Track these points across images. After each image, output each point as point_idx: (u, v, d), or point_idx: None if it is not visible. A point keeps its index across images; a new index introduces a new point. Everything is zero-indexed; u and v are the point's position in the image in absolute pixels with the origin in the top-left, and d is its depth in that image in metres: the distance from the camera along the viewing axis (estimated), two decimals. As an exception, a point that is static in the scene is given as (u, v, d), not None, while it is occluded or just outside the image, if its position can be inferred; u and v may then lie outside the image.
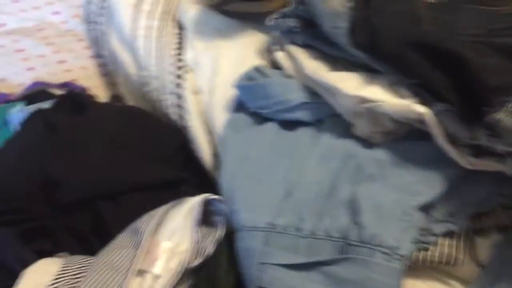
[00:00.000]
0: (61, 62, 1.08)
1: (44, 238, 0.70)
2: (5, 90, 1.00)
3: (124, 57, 0.97)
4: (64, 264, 0.62)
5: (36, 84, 1.00)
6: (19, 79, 1.04)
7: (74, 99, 0.82)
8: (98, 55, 1.07)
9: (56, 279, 0.59)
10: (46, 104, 0.81)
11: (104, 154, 0.74)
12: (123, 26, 0.96)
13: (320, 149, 0.65)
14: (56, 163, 0.71)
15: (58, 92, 0.87)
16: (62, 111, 0.78)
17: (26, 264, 0.61)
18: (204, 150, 0.84)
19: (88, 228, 0.73)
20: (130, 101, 0.99)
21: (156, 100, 0.91)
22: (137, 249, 0.62)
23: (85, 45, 1.10)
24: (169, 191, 0.77)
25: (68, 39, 1.11)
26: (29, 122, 0.76)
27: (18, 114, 0.77)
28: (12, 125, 0.78)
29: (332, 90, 0.66)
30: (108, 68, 1.05)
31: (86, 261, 0.63)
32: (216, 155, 0.83)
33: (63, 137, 0.73)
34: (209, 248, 0.64)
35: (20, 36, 1.10)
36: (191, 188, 0.79)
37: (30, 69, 1.06)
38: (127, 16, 0.96)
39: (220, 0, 0.84)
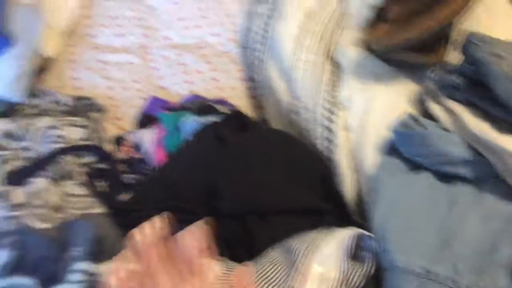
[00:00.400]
0: (215, 79, 1.17)
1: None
2: (164, 97, 1.11)
3: (279, 84, 1.04)
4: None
5: (193, 97, 1.10)
6: (177, 89, 1.14)
7: (239, 117, 0.89)
8: (250, 79, 1.16)
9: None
10: (214, 118, 0.89)
11: (263, 174, 0.81)
12: (283, 57, 1.04)
13: (483, 209, 0.66)
14: (222, 175, 0.78)
15: (221, 108, 0.95)
16: (229, 127, 0.86)
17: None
18: (347, 184, 0.88)
19: (236, 238, 0.79)
20: (275, 125, 1.05)
21: (304, 129, 0.97)
22: (291, 268, 0.67)
23: (238, 67, 1.20)
24: (313, 218, 0.82)
25: (223, 60, 1.21)
26: (201, 133, 0.84)
27: (191, 123, 0.86)
28: (184, 132, 0.87)
29: (501, 153, 0.68)
30: (257, 92, 1.12)
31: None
32: (359, 192, 0.87)
33: (231, 152, 0.81)
34: (356, 281, 0.67)
35: (183, 51, 1.22)
36: (334, 219, 0.83)
37: (189, 82, 1.16)
38: (288, 48, 1.03)
39: (388, 48, 0.89)
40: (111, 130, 1.01)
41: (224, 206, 0.77)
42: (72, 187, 0.77)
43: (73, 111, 0.95)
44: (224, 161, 0.80)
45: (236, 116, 0.90)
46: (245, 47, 1.19)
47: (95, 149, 0.85)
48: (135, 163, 0.90)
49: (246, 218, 0.79)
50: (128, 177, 0.88)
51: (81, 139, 0.86)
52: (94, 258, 0.63)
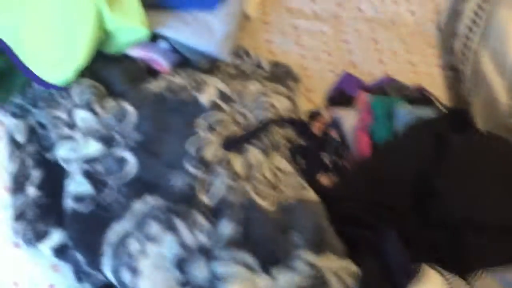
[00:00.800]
0: (409, 62, 1.08)
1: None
2: (356, 74, 1.04)
3: (496, 81, 0.93)
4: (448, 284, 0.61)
5: (389, 79, 1.01)
6: (369, 67, 1.07)
7: (460, 115, 0.80)
8: (451, 68, 1.05)
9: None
10: (429, 111, 0.81)
11: (486, 183, 0.72)
12: (507, 50, 0.91)
13: None
14: (441, 177, 0.71)
15: (437, 101, 0.86)
16: (448, 125, 0.78)
17: (409, 273, 0.62)
18: None
19: (444, 247, 0.71)
20: (484, 125, 0.94)
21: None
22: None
23: (435, 52, 1.09)
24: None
25: (420, 41, 1.11)
26: (418, 127, 0.77)
27: (405, 114, 0.79)
28: (396, 122, 0.79)
29: None
30: (462, 84, 1.02)
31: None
32: None
33: (452, 153, 0.73)
34: None
35: (376, 26, 1.13)
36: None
37: (381, 61, 1.08)
38: (513, 42, 0.91)
39: None
40: (301, 102, 0.96)
41: (440, 210, 0.70)
42: (280, 160, 0.73)
43: (271, 77, 0.92)
44: (443, 162, 0.72)
45: (457, 113, 0.81)
46: (449, 31, 1.07)
47: (299, 123, 0.81)
48: (331, 142, 0.85)
49: (460, 227, 0.71)
50: (323, 156, 0.83)
51: (287, 110, 0.82)
52: (315, 248, 0.60)
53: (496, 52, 0.93)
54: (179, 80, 0.79)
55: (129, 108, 0.73)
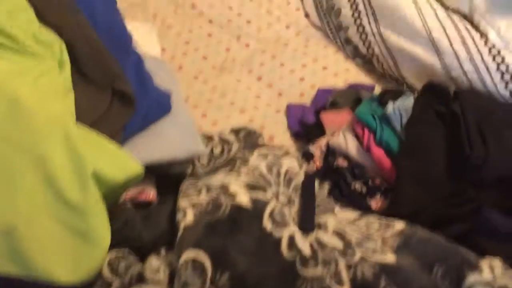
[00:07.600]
0: (323, 68, 1.10)
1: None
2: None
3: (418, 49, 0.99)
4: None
5: (330, 91, 1.03)
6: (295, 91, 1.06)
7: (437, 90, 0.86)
8: (355, 56, 1.09)
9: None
10: (406, 100, 0.86)
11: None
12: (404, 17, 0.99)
13: None
14: (476, 145, 0.75)
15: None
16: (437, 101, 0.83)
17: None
18: None
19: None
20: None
21: None
22: None
23: (333, 49, 1.13)
24: None
25: (317, 47, 1.14)
26: (418, 117, 0.81)
27: (393, 111, 0.83)
28: (394, 121, 0.82)
29: None
30: (379, 64, 1.05)
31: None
32: None
33: (471, 120, 0.77)
34: None
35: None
36: None
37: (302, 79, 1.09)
38: None
39: None
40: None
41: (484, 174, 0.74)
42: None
43: (246, 145, 0.86)
44: (472, 131, 0.76)
45: (432, 87, 0.86)
46: (335, 27, 1.12)
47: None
48: (359, 169, 0.83)
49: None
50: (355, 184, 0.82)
51: (299, 165, 0.80)
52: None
53: (396, 25, 1.00)
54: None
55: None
